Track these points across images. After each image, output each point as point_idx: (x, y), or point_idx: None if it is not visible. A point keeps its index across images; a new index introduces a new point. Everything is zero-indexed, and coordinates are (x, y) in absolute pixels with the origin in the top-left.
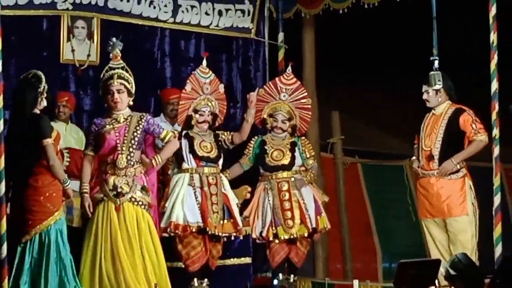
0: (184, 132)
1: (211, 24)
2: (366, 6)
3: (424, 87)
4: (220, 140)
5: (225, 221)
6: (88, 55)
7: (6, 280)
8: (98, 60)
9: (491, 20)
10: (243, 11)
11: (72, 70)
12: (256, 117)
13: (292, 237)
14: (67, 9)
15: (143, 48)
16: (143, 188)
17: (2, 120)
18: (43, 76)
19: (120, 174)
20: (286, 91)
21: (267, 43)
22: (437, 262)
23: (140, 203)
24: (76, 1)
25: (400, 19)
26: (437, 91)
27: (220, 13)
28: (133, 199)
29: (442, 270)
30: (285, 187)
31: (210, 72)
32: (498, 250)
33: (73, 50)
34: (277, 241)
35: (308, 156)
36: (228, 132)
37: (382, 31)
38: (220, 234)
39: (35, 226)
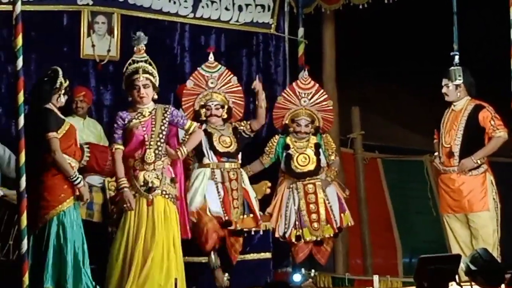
0: (203, 128)
1: (231, 19)
2: (386, 1)
3: (444, 81)
4: (240, 131)
5: (245, 216)
6: (108, 50)
7: (26, 275)
8: (118, 55)
9: (511, 15)
10: (263, 6)
11: (92, 65)
12: (277, 122)
13: (318, 239)
14: (88, 4)
15: (163, 44)
16: (172, 180)
17: (22, 116)
18: (60, 72)
19: (149, 169)
20: (306, 96)
21: (287, 38)
22: (458, 257)
23: (170, 195)
24: None
25: (420, 13)
26: (457, 86)
27: (240, 8)
28: (163, 192)
29: (462, 265)
30: (311, 190)
31: (219, 66)
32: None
33: (93, 45)
34: (302, 241)
35: (330, 152)
36: (246, 122)
37: (402, 26)
38: (240, 228)
39: (41, 217)
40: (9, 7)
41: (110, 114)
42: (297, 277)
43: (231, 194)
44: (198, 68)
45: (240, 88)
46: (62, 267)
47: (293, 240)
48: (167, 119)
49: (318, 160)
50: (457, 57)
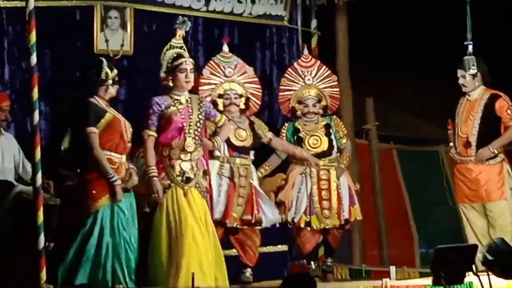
0: None
1: (244, 12)
2: None
3: (460, 72)
4: (256, 131)
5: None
6: (122, 45)
7: (44, 271)
8: (131, 50)
9: None
10: None
11: (106, 60)
12: (284, 107)
13: (326, 227)
14: None
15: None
16: (205, 173)
17: (37, 111)
18: (105, 63)
19: (185, 159)
20: (309, 73)
21: (300, 30)
22: (474, 247)
23: (203, 188)
24: None
25: (432, 2)
26: (473, 75)
27: (253, 1)
28: (197, 185)
29: (479, 255)
30: (325, 176)
31: (234, 57)
32: None
33: (106, 40)
34: (308, 228)
35: (341, 135)
36: (268, 130)
37: (415, 16)
38: (238, 227)
39: (81, 212)
40: (22, 3)
41: (125, 109)
42: None
43: (238, 191)
44: (212, 58)
45: (256, 79)
46: (95, 264)
47: (302, 225)
48: (203, 108)
49: (330, 141)
50: (470, 47)
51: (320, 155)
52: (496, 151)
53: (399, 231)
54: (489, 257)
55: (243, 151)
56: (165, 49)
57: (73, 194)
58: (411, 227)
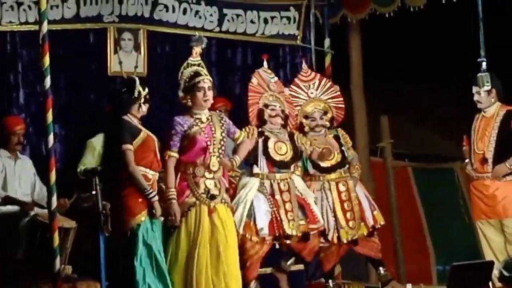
0: (259, 130)
1: (257, 32)
2: (412, 9)
3: (475, 89)
4: (296, 143)
5: (302, 222)
6: (136, 67)
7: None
8: (145, 71)
9: None
10: (288, 18)
11: (120, 82)
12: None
13: (354, 238)
14: (114, 21)
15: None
16: (227, 190)
17: (52, 134)
18: (137, 82)
19: (209, 177)
20: (312, 87)
21: (313, 49)
22: (491, 263)
23: (229, 204)
24: (122, 14)
25: (446, 20)
26: (488, 91)
27: (265, 21)
28: (223, 201)
29: (495, 272)
30: (344, 188)
31: (273, 75)
32: None
33: (120, 62)
34: (338, 243)
35: (348, 146)
36: (308, 142)
37: (428, 33)
38: (294, 234)
39: (118, 231)
40: (36, 27)
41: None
42: None
43: (284, 207)
44: (256, 70)
45: (290, 99)
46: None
47: (335, 241)
48: (224, 126)
49: (342, 152)
50: (484, 63)
51: (336, 167)
52: None
53: (415, 247)
54: (506, 274)
55: (283, 165)
56: (182, 68)
57: (89, 216)
58: (428, 243)
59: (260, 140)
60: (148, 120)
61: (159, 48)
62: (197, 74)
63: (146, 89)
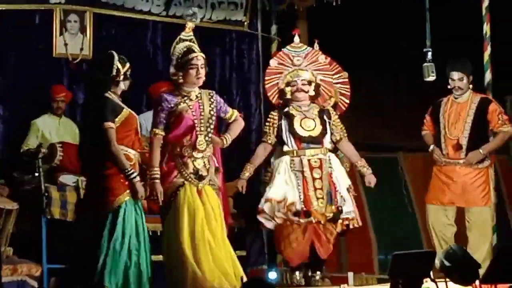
0: (283, 111)
1: (204, 17)
2: None
3: (458, 74)
4: (325, 121)
5: (330, 206)
6: (81, 49)
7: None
8: (91, 54)
9: (484, 12)
10: (235, 4)
11: (65, 64)
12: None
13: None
14: (60, 3)
15: (135, 42)
16: (217, 170)
17: None
18: (115, 58)
19: (198, 156)
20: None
21: (260, 36)
22: (432, 253)
23: (215, 186)
24: None
25: (393, 9)
26: (468, 78)
27: (213, 6)
28: (211, 182)
29: (437, 261)
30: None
31: (304, 46)
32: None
33: (66, 44)
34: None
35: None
36: (342, 129)
37: (375, 22)
38: (322, 222)
39: (99, 212)
40: None
41: (84, 113)
42: (272, 275)
43: (313, 184)
44: (282, 49)
45: (328, 66)
46: (116, 264)
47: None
48: (214, 104)
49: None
50: (430, 53)
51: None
52: (486, 155)
53: (358, 237)
54: (447, 263)
55: (312, 141)
56: (174, 43)
57: (31, 198)
58: (370, 233)
59: (283, 122)
60: (91, 103)
61: (105, 31)
62: (190, 50)
63: (127, 65)
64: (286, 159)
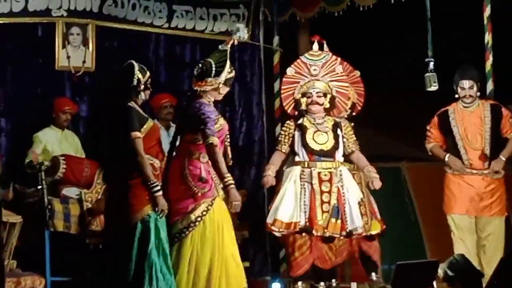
0: (298, 123)
1: (206, 29)
2: (361, 9)
3: (469, 82)
4: (337, 135)
5: (333, 220)
6: (84, 62)
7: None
8: (93, 66)
9: (485, 21)
10: (237, 15)
11: (67, 77)
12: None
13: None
14: (62, 16)
15: (137, 54)
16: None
17: None
18: (136, 67)
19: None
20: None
21: (262, 47)
22: (435, 263)
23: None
24: (70, 8)
25: (395, 20)
26: (477, 86)
27: (215, 17)
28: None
29: (440, 271)
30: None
31: (323, 55)
32: None
33: (68, 57)
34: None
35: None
36: (354, 140)
37: (377, 32)
38: (327, 235)
39: (126, 222)
40: None
41: (86, 126)
42: (276, 286)
43: (321, 197)
44: (300, 57)
45: (345, 77)
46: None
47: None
48: None
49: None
50: (431, 63)
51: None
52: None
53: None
54: (450, 273)
55: (324, 154)
56: (221, 55)
57: (34, 211)
58: None
59: (297, 133)
60: (94, 116)
61: (108, 43)
62: (232, 69)
63: (147, 74)
64: (297, 169)
